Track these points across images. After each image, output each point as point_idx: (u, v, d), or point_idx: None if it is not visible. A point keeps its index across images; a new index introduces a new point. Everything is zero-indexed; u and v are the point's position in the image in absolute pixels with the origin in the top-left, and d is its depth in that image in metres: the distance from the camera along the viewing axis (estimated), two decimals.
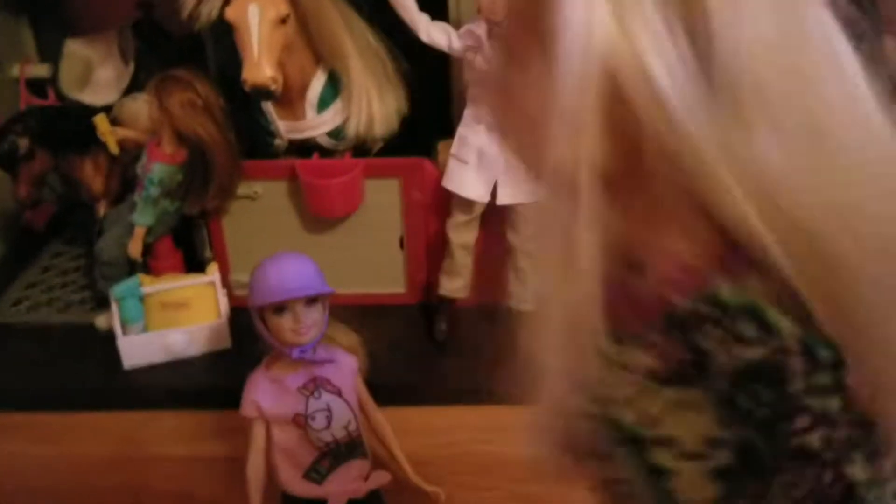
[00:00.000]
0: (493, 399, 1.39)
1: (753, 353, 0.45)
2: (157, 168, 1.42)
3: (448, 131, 1.58)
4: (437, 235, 1.50)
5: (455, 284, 1.47)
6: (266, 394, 1.13)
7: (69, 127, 1.56)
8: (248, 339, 1.48)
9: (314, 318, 1.12)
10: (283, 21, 1.31)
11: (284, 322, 1.11)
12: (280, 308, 1.11)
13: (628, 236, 0.50)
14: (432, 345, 1.49)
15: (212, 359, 1.49)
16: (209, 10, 1.28)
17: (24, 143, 1.50)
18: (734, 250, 0.46)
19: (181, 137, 1.40)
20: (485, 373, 1.40)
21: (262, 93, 1.30)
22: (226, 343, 1.50)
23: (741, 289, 0.46)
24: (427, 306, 1.57)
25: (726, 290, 0.46)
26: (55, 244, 1.90)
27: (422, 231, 1.52)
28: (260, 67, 1.28)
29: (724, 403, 0.46)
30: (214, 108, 1.39)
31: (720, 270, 0.47)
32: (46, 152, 1.53)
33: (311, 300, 1.12)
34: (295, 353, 1.12)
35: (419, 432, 1.33)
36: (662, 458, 0.49)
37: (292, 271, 1.12)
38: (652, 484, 0.49)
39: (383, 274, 1.57)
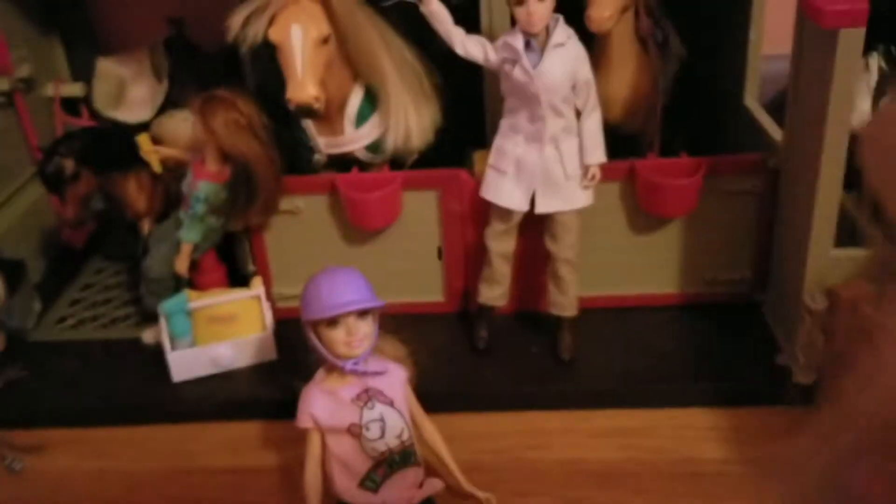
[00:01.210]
0: (536, 405, 1.43)
1: None
2: (203, 186, 1.45)
3: (481, 142, 1.61)
4: (475, 245, 1.53)
5: (494, 293, 1.49)
6: (321, 405, 1.15)
7: (112, 147, 1.59)
8: (293, 350, 1.52)
9: (366, 330, 1.15)
10: (325, 41, 1.34)
11: (337, 335, 1.14)
12: (333, 321, 1.13)
13: None
14: (473, 352, 1.51)
15: (258, 371, 1.52)
16: (255, 32, 1.31)
17: (69, 165, 1.53)
18: None
19: (226, 156, 1.43)
20: (526, 379, 1.45)
21: (306, 111, 1.33)
22: (272, 355, 1.53)
23: None
24: (466, 315, 1.60)
25: None
26: (95, 261, 1.94)
27: (459, 241, 1.55)
28: (304, 87, 1.31)
29: None
30: (257, 127, 1.42)
31: None
32: (91, 173, 1.56)
33: (363, 313, 1.14)
34: (348, 366, 1.15)
35: (465, 439, 1.35)
36: None
37: (344, 285, 1.15)
38: None
39: (422, 284, 1.60)
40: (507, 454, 1.34)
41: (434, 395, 1.33)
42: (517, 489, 1.26)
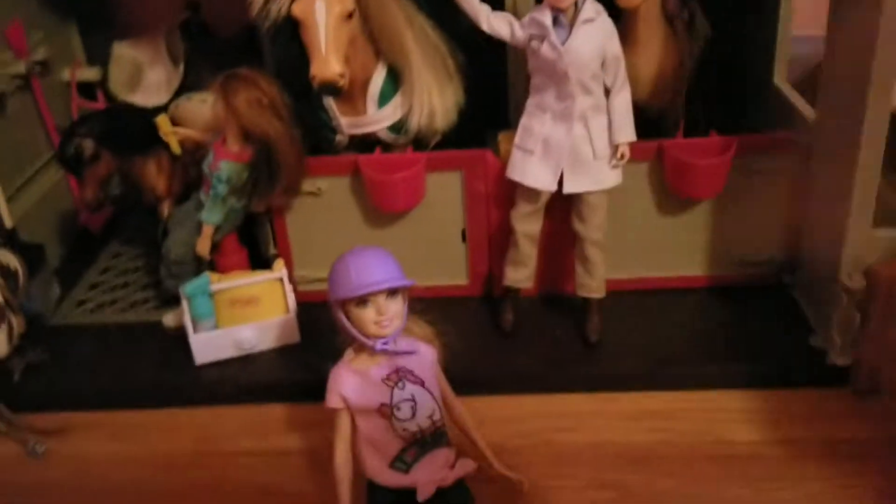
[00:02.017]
0: (564, 387, 1.41)
1: None
2: (225, 166, 1.43)
3: (504, 123, 1.59)
4: (499, 227, 1.51)
5: (520, 275, 1.47)
6: (351, 386, 1.13)
7: (131, 128, 1.57)
8: (316, 333, 1.50)
9: (396, 309, 1.13)
10: (349, 16, 1.32)
11: (367, 314, 1.12)
12: (363, 301, 1.11)
13: None
14: (499, 335, 1.49)
15: (281, 353, 1.50)
16: (278, 7, 1.29)
17: (89, 146, 1.52)
18: None
19: (247, 135, 1.41)
20: (553, 362, 1.43)
21: (330, 89, 1.31)
22: (295, 338, 1.51)
23: None
24: (490, 298, 1.58)
25: None
26: (113, 245, 1.93)
27: (484, 223, 1.53)
28: (328, 63, 1.28)
29: None
30: (280, 106, 1.40)
31: None
32: (110, 154, 1.54)
33: (393, 292, 1.12)
34: (378, 345, 1.13)
35: (493, 422, 1.34)
36: None
37: (373, 264, 1.13)
38: None
39: (446, 266, 1.58)
40: (535, 437, 1.32)
41: (460, 378, 1.31)
42: (547, 472, 1.25)
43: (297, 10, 1.30)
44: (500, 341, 1.48)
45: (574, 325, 1.48)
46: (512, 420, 1.35)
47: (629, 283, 1.53)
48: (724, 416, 1.32)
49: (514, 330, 1.49)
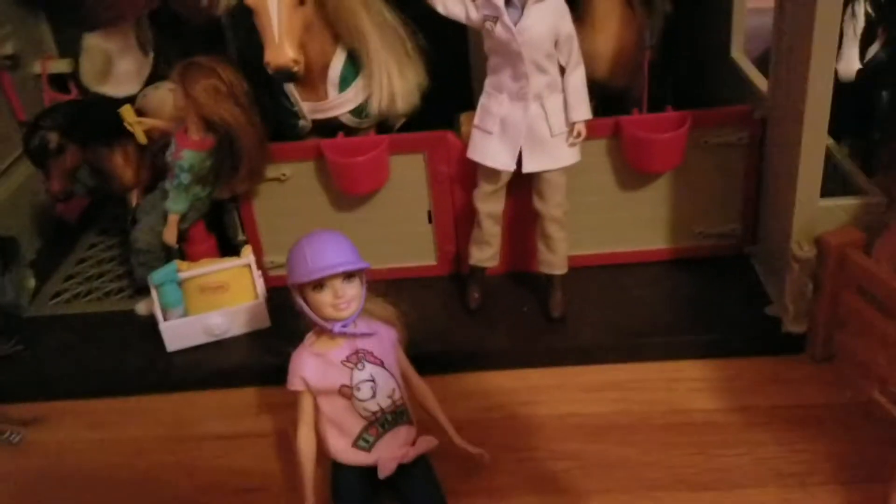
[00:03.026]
0: (529, 363, 1.44)
1: None
2: (187, 155, 1.44)
3: (469, 103, 1.60)
4: (465, 207, 1.53)
5: (485, 254, 1.49)
6: (311, 368, 1.16)
7: (96, 119, 1.58)
8: (286, 317, 1.52)
9: (353, 292, 1.15)
10: (302, 2, 1.33)
11: (324, 298, 1.14)
12: (319, 285, 1.14)
13: None
14: (466, 313, 1.52)
15: (252, 338, 1.53)
16: None
17: (53, 138, 1.53)
18: None
19: (208, 124, 1.43)
20: (519, 337, 1.46)
21: (285, 75, 1.32)
22: (265, 322, 1.53)
23: None
24: (459, 277, 1.60)
25: None
26: (89, 236, 1.95)
27: (449, 203, 1.55)
28: (282, 49, 1.30)
29: None
30: (239, 93, 1.42)
31: None
32: (76, 146, 1.56)
33: (349, 275, 1.15)
34: (336, 328, 1.15)
35: (458, 397, 1.37)
36: None
37: (328, 248, 1.15)
38: None
39: (413, 247, 1.60)
40: (499, 411, 1.35)
41: (429, 356, 1.35)
42: (508, 444, 1.27)
43: None
44: (468, 319, 1.51)
45: (539, 302, 1.51)
46: (476, 396, 1.38)
47: (591, 259, 1.55)
48: (682, 385, 1.35)
49: (480, 308, 1.51)
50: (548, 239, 1.44)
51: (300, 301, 1.17)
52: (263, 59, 1.31)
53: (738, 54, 1.57)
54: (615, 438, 1.27)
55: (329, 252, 1.14)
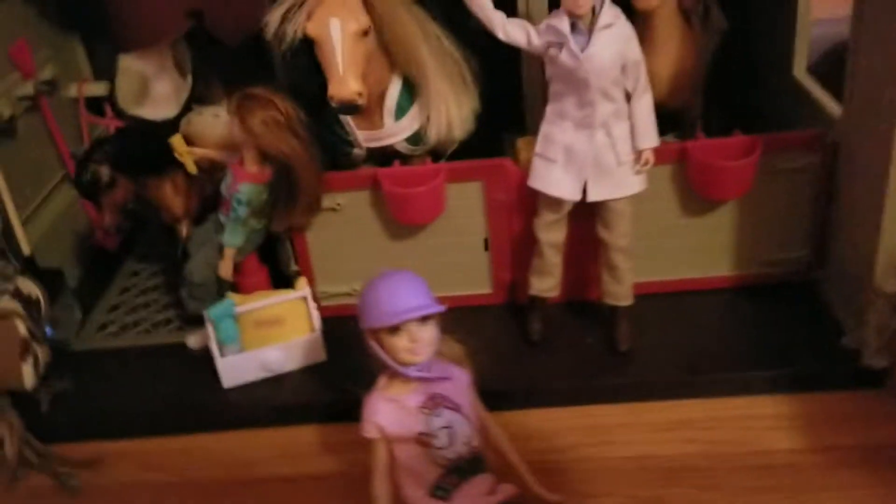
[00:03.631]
0: (595, 398, 1.40)
1: None
2: (244, 188, 1.41)
3: (520, 127, 1.57)
4: (522, 235, 1.49)
5: (546, 284, 1.46)
6: (386, 415, 1.13)
7: (146, 150, 1.55)
8: (342, 349, 1.50)
9: (428, 336, 1.12)
10: (365, 33, 1.29)
11: (400, 342, 1.11)
12: (395, 328, 1.10)
13: None
14: (526, 345, 1.48)
15: (308, 373, 1.50)
16: (294, 28, 1.26)
17: (105, 173, 1.50)
18: None
19: (265, 156, 1.39)
20: (583, 372, 1.42)
21: (350, 108, 1.29)
22: (321, 356, 1.50)
23: None
24: (514, 306, 1.57)
25: None
26: (129, 263, 1.92)
27: (505, 231, 1.51)
28: (346, 83, 1.26)
29: None
30: (296, 124, 1.38)
31: None
32: (126, 178, 1.53)
33: (425, 318, 1.11)
34: (412, 372, 1.12)
35: (525, 438, 1.33)
36: None
37: (404, 290, 1.11)
38: None
39: (469, 275, 1.56)
40: (570, 453, 1.31)
41: (489, 390, 1.31)
42: (585, 490, 1.24)
43: (311, 29, 1.27)
44: (528, 351, 1.47)
45: (602, 333, 1.47)
46: (544, 435, 1.34)
47: (655, 286, 1.52)
48: (759, 423, 1.31)
49: (541, 339, 1.48)
50: (613, 269, 1.41)
51: (374, 345, 1.13)
52: (326, 93, 1.27)
53: (801, 73, 1.53)
54: (695, 482, 1.23)
55: (405, 295, 1.11)
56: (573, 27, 1.28)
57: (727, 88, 1.60)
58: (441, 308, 1.12)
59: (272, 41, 1.34)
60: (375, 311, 1.11)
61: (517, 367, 1.44)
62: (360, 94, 1.28)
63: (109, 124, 1.99)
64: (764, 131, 1.41)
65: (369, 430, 1.14)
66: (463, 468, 1.13)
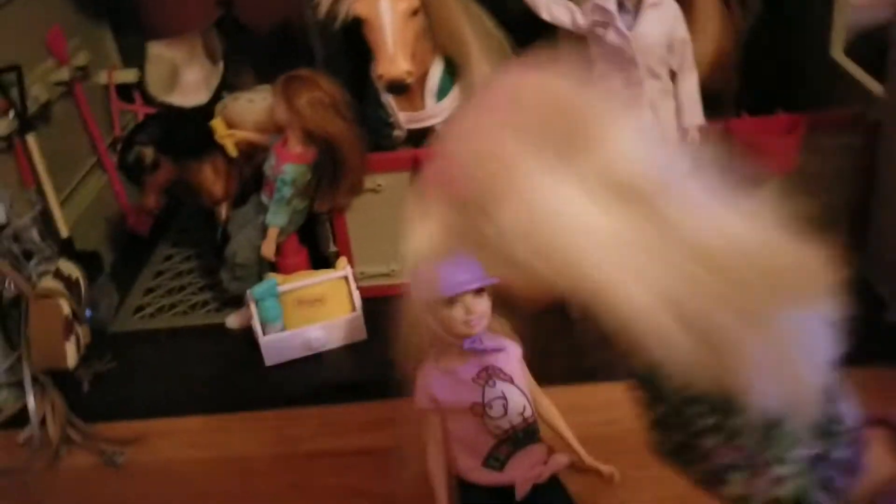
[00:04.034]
0: None
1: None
2: (289, 168, 1.42)
3: None
4: None
5: None
6: (440, 386, 1.14)
7: (187, 133, 1.56)
8: (381, 329, 1.49)
9: (483, 308, 1.12)
10: (415, 13, 1.30)
11: (455, 314, 1.11)
12: (450, 301, 1.11)
13: None
14: (567, 321, 1.48)
15: (349, 351, 1.51)
16: (346, 7, 1.27)
17: (149, 154, 1.51)
18: None
19: (310, 136, 1.40)
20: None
21: (398, 87, 1.30)
22: (361, 335, 1.51)
23: None
24: None
25: None
26: (162, 247, 1.92)
27: None
28: (395, 62, 1.27)
29: None
30: (341, 105, 1.39)
31: None
32: (169, 160, 1.53)
33: (479, 291, 1.12)
34: (466, 344, 1.13)
35: (573, 411, 1.33)
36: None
37: (458, 264, 1.12)
38: None
39: None
40: (618, 425, 1.30)
41: (538, 369, 1.31)
42: (636, 461, 1.24)
43: (361, 9, 1.28)
44: (570, 328, 1.47)
45: None
46: (592, 409, 1.35)
47: None
48: None
49: (584, 316, 1.48)
50: None
51: (428, 318, 1.14)
52: (375, 72, 1.28)
53: (839, 54, 1.54)
54: None
55: (459, 268, 1.11)
56: (620, 6, 1.29)
57: (765, 69, 1.60)
58: (495, 280, 1.13)
59: (317, 24, 1.35)
60: (432, 283, 1.12)
61: (559, 343, 1.44)
62: (409, 73, 1.29)
63: (139, 111, 2.00)
64: (804, 111, 1.42)
65: (423, 402, 1.14)
66: (516, 438, 1.14)
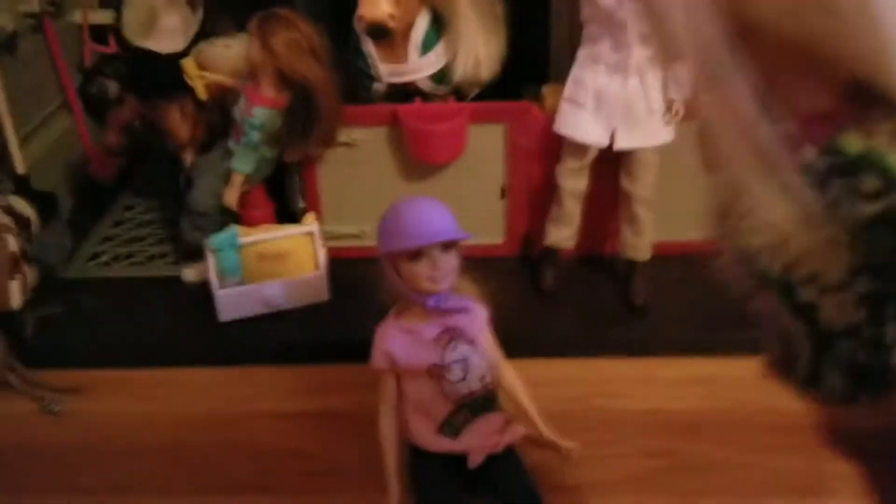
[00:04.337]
0: (608, 351, 1.36)
1: (874, 208, 0.48)
2: (259, 112, 1.35)
3: (542, 77, 1.52)
4: (541, 185, 1.44)
5: (563, 234, 1.41)
6: (399, 344, 1.07)
7: (156, 72, 1.49)
8: (345, 291, 1.44)
9: (451, 264, 1.07)
10: None
11: (421, 269, 1.05)
12: (417, 254, 1.05)
13: (766, 91, 0.53)
14: (539, 296, 1.43)
15: (309, 312, 1.44)
16: None
17: (113, 87, 1.44)
18: (866, 102, 0.49)
19: (284, 80, 1.33)
20: (598, 324, 1.37)
21: (379, 31, 1.23)
22: (323, 296, 1.45)
23: (866, 137, 0.49)
24: (526, 260, 1.52)
25: (850, 140, 0.49)
26: (125, 197, 1.84)
27: (524, 180, 1.46)
28: (377, 3, 1.21)
29: (857, 241, 0.49)
30: (319, 49, 1.32)
31: (850, 120, 0.50)
32: (134, 98, 1.46)
33: (448, 246, 1.06)
34: (430, 302, 1.07)
35: (537, 386, 1.26)
36: (808, 294, 0.53)
37: (430, 215, 1.06)
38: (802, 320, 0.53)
39: (482, 224, 1.50)
40: (582, 402, 1.27)
41: (500, 338, 1.26)
42: (597, 439, 1.20)
43: None
44: (541, 302, 1.42)
45: (617, 288, 1.42)
46: (556, 384, 1.30)
47: (677, 248, 1.47)
48: (774, 382, 1.27)
49: (554, 291, 1.43)
50: (634, 221, 1.36)
51: (391, 271, 1.08)
52: (356, 14, 1.22)
53: None
54: (709, 438, 1.20)
55: (430, 219, 1.06)
56: None
57: None
58: (467, 235, 1.07)
59: None
60: (398, 233, 1.06)
61: (528, 316, 1.40)
62: (391, 17, 1.23)
63: (113, 54, 1.91)
64: None
65: (379, 360, 1.08)
66: (474, 405, 1.08)
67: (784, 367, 0.58)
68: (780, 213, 0.52)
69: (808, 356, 0.55)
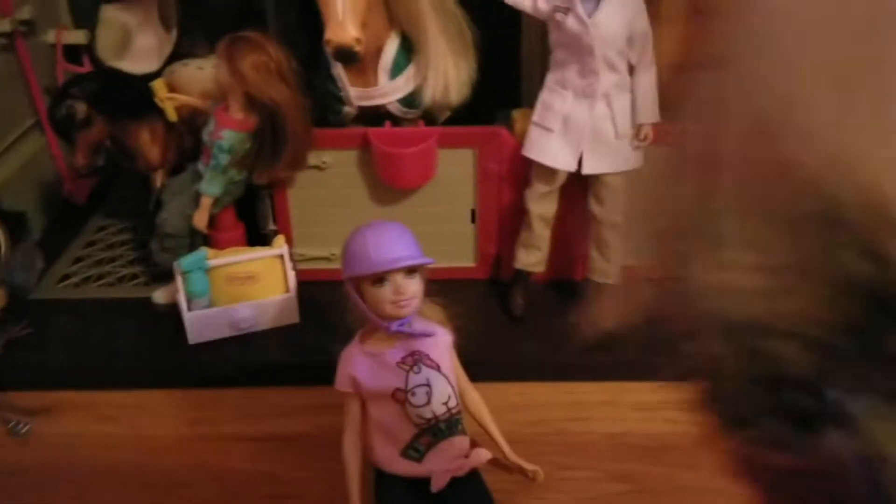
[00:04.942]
0: (576, 376, 1.36)
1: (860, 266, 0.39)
2: (228, 135, 1.35)
3: (514, 102, 1.53)
4: (510, 208, 1.45)
5: (533, 258, 1.42)
6: (363, 368, 1.07)
7: (126, 92, 1.49)
8: (315, 313, 1.44)
9: (414, 289, 1.07)
10: None
11: (384, 294, 1.05)
12: (380, 279, 1.05)
13: None
14: (508, 320, 1.44)
15: (280, 334, 1.44)
16: None
17: (81, 109, 1.43)
18: None
19: (252, 102, 1.34)
20: (565, 349, 1.38)
21: (346, 55, 1.24)
22: (294, 318, 1.44)
23: None
24: (496, 282, 1.52)
25: None
26: (97, 217, 1.84)
27: (494, 203, 1.47)
28: (344, 27, 1.21)
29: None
30: (287, 72, 1.33)
31: None
32: (104, 119, 1.46)
33: (411, 271, 1.06)
34: (393, 326, 1.07)
35: (504, 409, 1.27)
36: (770, 345, 0.43)
37: (393, 240, 1.06)
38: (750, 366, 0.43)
39: (452, 247, 1.52)
40: (547, 426, 1.27)
41: (468, 362, 1.26)
42: (561, 462, 1.20)
43: None
44: (510, 326, 1.43)
45: (585, 312, 1.43)
46: (522, 408, 1.30)
47: (643, 272, 1.48)
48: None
49: (524, 315, 1.44)
50: (604, 246, 1.37)
51: (355, 296, 1.08)
52: (323, 38, 1.22)
53: None
54: (674, 461, 1.20)
55: (393, 244, 1.06)
56: None
57: None
58: (430, 260, 1.07)
59: None
60: (361, 258, 1.06)
61: (497, 340, 1.40)
62: (358, 41, 1.23)
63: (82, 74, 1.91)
64: None
65: (343, 384, 1.08)
66: (438, 429, 1.08)
67: (709, 405, 0.54)
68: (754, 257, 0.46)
69: (744, 399, 0.52)
